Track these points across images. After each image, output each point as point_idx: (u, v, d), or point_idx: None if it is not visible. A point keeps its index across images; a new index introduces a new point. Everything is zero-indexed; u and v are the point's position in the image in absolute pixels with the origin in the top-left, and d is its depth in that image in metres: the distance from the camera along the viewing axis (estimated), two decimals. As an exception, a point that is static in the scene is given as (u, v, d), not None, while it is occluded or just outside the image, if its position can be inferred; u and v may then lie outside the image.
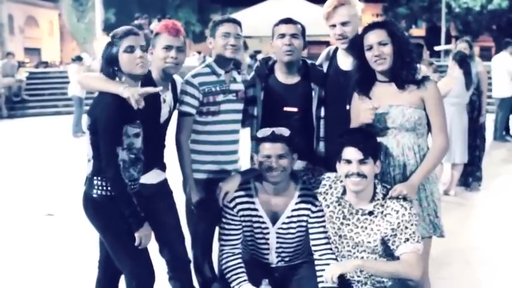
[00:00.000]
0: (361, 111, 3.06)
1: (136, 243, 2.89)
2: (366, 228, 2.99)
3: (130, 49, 2.88)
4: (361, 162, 2.90)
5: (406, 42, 3.11)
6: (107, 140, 2.80)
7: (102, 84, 2.90)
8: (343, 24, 3.30)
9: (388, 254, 3.00)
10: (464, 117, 6.71)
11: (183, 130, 3.36)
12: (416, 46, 6.48)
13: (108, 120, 2.78)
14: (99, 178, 2.88)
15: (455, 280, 4.35)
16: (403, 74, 3.05)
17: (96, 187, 2.89)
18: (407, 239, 2.89)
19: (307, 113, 3.44)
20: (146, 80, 3.06)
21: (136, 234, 2.89)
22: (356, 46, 3.16)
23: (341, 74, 3.41)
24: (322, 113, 3.44)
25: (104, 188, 2.88)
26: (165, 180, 3.39)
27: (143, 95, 2.82)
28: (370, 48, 3.04)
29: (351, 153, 2.92)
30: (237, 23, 3.40)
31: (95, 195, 2.90)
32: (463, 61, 6.67)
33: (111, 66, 2.89)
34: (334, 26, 3.33)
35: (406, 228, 2.90)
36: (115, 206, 2.87)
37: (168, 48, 3.19)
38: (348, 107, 3.27)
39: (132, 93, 2.78)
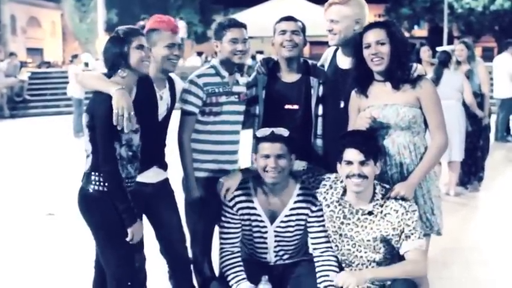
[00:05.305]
0: (358, 118, 3.10)
1: (128, 239, 2.91)
2: (366, 227, 3.00)
3: (141, 47, 2.94)
4: (362, 163, 2.92)
5: (404, 43, 3.14)
6: (103, 135, 2.83)
7: (95, 82, 2.95)
8: (332, 21, 3.37)
9: (389, 252, 3.02)
10: (459, 115, 6.63)
11: (185, 129, 3.39)
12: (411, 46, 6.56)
13: (104, 115, 2.81)
14: (96, 174, 2.90)
15: (455, 280, 4.35)
16: (398, 74, 3.08)
17: (93, 182, 2.90)
18: (409, 236, 2.92)
19: (308, 110, 3.47)
20: (142, 77, 3.06)
21: (129, 230, 2.90)
22: (355, 44, 3.19)
23: (339, 72, 3.45)
24: (320, 111, 3.46)
25: (101, 183, 2.89)
26: (166, 180, 3.39)
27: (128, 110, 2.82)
28: (368, 46, 3.08)
29: (352, 154, 2.94)
30: (243, 26, 3.42)
31: (91, 190, 2.91)
32: (444, 62, 6.74)
33: (122, 60, 2.91)
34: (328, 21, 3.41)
35: (408, 225, 2.92)
36: (110, 202, 2.88)
37: (171, 46, 3.22)
38: (342, 105, 3.32)
39: (118, 106, 2.78)
